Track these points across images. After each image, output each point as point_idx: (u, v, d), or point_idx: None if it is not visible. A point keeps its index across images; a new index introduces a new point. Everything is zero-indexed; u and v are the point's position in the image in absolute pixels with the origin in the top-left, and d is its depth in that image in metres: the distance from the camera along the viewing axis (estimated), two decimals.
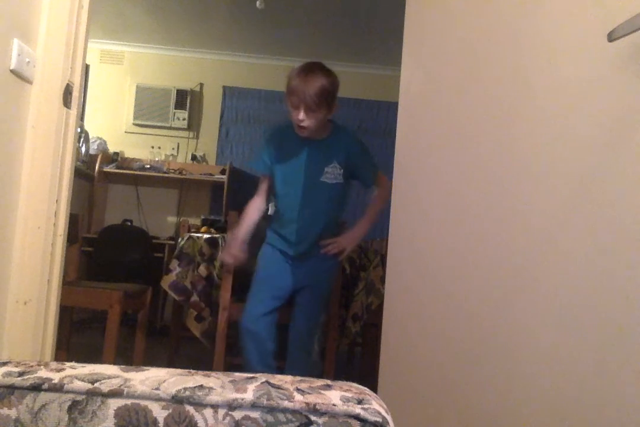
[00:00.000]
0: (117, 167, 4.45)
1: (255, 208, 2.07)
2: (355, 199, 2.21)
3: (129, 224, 4.35)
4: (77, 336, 3.46)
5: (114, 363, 0.52)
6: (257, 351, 1.96)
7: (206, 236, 2.62)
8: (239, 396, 0.42)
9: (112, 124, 4.69)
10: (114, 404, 0.42)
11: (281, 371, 1.97)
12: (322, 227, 2.01)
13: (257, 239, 2.12)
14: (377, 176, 2.06)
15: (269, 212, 2.68)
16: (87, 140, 4.24)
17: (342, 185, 2.02)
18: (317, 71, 1.88)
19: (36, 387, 0.43)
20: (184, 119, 4.67)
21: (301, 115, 1.85)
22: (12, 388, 0.43)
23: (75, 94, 1.35)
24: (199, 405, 0.42)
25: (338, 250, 2.01)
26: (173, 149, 4.76)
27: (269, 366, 1.96)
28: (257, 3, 3.65)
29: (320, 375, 2.12)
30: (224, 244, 2.17)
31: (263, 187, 2.09)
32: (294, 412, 0.41)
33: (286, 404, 0.41)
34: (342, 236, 2.04)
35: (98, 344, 2.65)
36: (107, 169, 4.40)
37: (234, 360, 2.28)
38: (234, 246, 2.01)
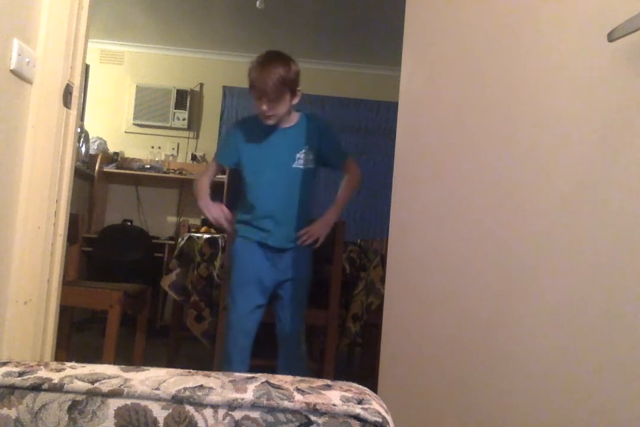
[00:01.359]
0: (117, 167, 4.45)
1: (205, 182, 2.11)
2: (325, 194, 2.22)
3: (129, 224, 4.35)
4: (77, 336, 3.46)
5: (114, 363, 0.52)
6: (242, 347, 1.96)
7: (206, 235, 2.62)
8: (239, 396, 0.42)
9: (112, 124, 4.69)
10: (114, 404, 0.42)
11: (271, 370, 1.97)
12: (299, 213, 2.00)
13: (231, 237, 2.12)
14: (346, 162, 2.11)
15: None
16: (87, 140, 4.24)
17: (314, 170, 2.04)
18: (274, 61, 1.93)
19: (36, 387, 0.43)
20: (184, 119, 4.68)
21: (264, 106, 1.90)
22: (12, 388, 0.43)
23: (75, 94, 1.35)
24: (199, 405, 0.42)
25: (312, 239, 2.01)
26: (173, 149, 4.76)
27: (245, 362, 1.96)
28: (257, 3, 3.65)
29: (307, 367, 2.10)
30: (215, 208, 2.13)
31: (212, 170, 2.14)
32: (294, 412, 0.41)
33: (286, 404, 0.41)
34: (313, 225, 2.03)
35: (98, 344, 2.65)
36: (107, 169, 4.40)
37: None
38: (214, 206, 2.03)
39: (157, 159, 4.61)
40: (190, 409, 0.41)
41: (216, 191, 4.82)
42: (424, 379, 1.17)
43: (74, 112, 1.36)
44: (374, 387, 0.96)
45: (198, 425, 0.41)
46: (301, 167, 1.99)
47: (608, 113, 0.76)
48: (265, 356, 2.07)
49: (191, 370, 0.48)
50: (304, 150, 1.99)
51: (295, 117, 2.03)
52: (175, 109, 4.67)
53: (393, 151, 1.42)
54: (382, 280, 1.99)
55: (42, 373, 0.45)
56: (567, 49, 0.85)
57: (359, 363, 3.11)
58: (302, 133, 2.02)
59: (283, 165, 1.98)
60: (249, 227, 2.01)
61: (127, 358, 2.69)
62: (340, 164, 2.11)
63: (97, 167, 4.32)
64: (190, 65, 4.80)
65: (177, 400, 0.42)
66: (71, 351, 2.71)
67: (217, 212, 2.03)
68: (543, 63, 0.90)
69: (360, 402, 0.43)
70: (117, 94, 4.71)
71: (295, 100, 1.96)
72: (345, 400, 0.42)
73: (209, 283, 2.50)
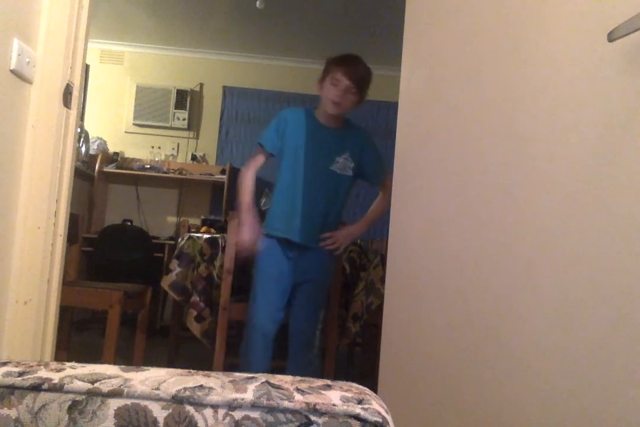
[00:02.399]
0: (117, 167, 4.45)
1: (250, 179, 2.03)
2: (355, 201, 2.21)
3: (129, 224, 4.35)
4: (77, 336, 3.46)
5: (114, 363, 0.53)
6: (263, 351, 1.95)
7: (206, 236, 2.62)
8: (239, 396, 0.42)
9: (112, 124, 4.69)
10: (114, 404, 0.42)
11: (282, 371, 1.97)
12: (326, 215, 2.00)
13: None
14: (385, 178, 2.06)
15: (263, 207, 2.67)
16: (87, 140, 4.24)
17: (350, 179, 2.03)
18: (362, 60, 2.04)
19: (36, 387, 0.43)
20: (184, 119, 4.68)
21: (341, 91, 1.92)
22: (12, 388, 0.43)
23: (75, 94, 1.35)
24: (199, 405, 0.42)
25: (335, 245, 2.01)
26: (173, 149, 4.76)
27: (268, 365, 1.95)
28: (257, 3, 3.65)
29: (319, 370, 2.10)
30: (226, 241, 2.10)
31: (258, 161, 2.05)
32: (294, 412, 0.41)
33: (286, 404, 0.41)
34: (339, 231, 2.04)
35: (98, 344, 2.65)
36: (107, 169, 4.40)
37: (234, 360, 2.28)
38: (246, 229, 1.95)
39: (157, 159, 4.61)
40: (190, 409, 0.41)
41: (216, 191, 4.82)
42: (424, 379, 1.17)
43: (74, 112, 1.36)
44: (374, 387, 0.96)
45: (198, 425, 0.41)
46: (338, 171, 1.99)
47: (608, 113, 0.76)
48: (275, 356, 2.06)
49: (191, 370, 0.48)
50: (344, 155, 2.01)
51: (344, 123, 2.07)
52: (175, 109, 4.67)
53: (393, 151, 1.42)
54: (382, 280, 1.99)
55: (42, 373, 0.45)
56: (567, 48, 0.85)
57: (359, 363, 3.11)
58: (347, 138, 2.04)
59: (321, 164, 1.98)
60: (278, 223, 2.00)
61: (127, 358, 2.69)
62: (380, 179, 2.10)
63: (97, 167, 4.32)
64: (190, 65, 4.81)
65: (177, 400, 0.42)
66: (71, 351, 2.71)
67: (247, 236, 1.95)
68: (543, 63, 0.90)
69: (360, 402, 0.43)
70: (117, 94, 4.71)
71: (358, 106, 2.02)
72: (345, 400, 0.42)
73: (209, 283, 2.50)
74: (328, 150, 2.00)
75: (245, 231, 1.96)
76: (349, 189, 2.07)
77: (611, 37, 0.71)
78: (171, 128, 4.71)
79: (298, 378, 0.47)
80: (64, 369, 0.46)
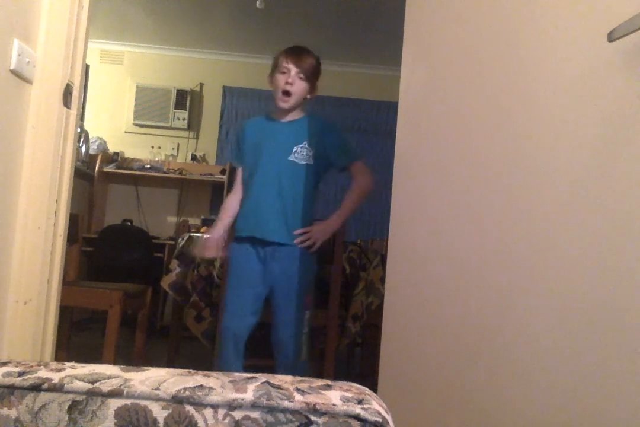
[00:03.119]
0: (117, 167, 4.45)
1: (233, 203, 2.08)
2: (333, 197, 2.17)
3: (129, 224, 4.35)
4: (77, 336, 3.46)
5: (114, 363, 0.53)
6: (234, 355, 1.92)
7: (206, 236, 2.62)
8: (239, 396, 0.42)
9: (112, 124, 4.69)
10: (114, 404, 0.42)
11: (272, 370, 1.95)
12: (293, 208, 1.95)
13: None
14: (353, 165, 2.04)
15: None
16: (87, 140, 4.24)
17: (312, 169, 1.98)
18: (309, 50, 2.14)
19: (36, 387, 0.43)
20: (184, 119, 4.68)
21: (290, 78, 1.97)
22: (12, 388, 0.43)
23: (75, 94, 1.35)
24: (199, 405, 0.42)
25: (309, 242, 1.94)
26: (173, 149, 4.76)
27: (238, 365, 1.93)
28: (257, 3, 3.65)
29: (308, 375, 2.05)
30: (201, 240, 2.16)
31: (239, 181, 2.10)
32: (294, 412, 0.41)
33: (286, 404, 0.41)
34: (314, 226, 1.97)
35: (98, 344, 2.65)
36: (107, 169, 4.40)
37: None
38: (211, 243, 2.04)
39: (157, 159, 4.61)
40: (190, 409, 0.41)
41: (216, 191, 4.81)
42: (424, 379, 1.17)
43: (74, 112, 1.36)
44: (374, 387, 0.96)
45: (198, 425, 0.41)
46: (297, 161, 1.96)
47: (608, 113, 0.76)
48: (265, 355, 2.05)
49: (191, 370, 0.48)
50: (302, 144, 1.98)
51: (300, 114, 2.06)
52: (175, 109, 4.67)
53: (393, 151, 1.42)
54: (382, 280, 1.98)
55: (42, 373, 0.45)
56: (567, 49, 0.85)
57: (359, 363, 3.11)
58: (303, 128, 2.02)
59: (278, 156, 1.97)
60: (243, 221, 1.98)
61: (127, 358, 2.69)
62: (345, 165, 2.04)
63: (97, 167, 4.32)
64: (190, 65, 4.81)
65: (177, 400, 0.42)
66: (71, 351, 2.71)
67: (209, 251, 2.05)
68: (543, 63, 0.90)
69: (360, 402, 0.43)
70: (117, 94, 4.71)
71: (310, 96, 2.04)
72: (345, 400, 0.42)
73: (209, 283, 2.50)
74: (284, 142, 1.99)
75: (210, 239, 2.06)
76: (316, 180, 2.03)
77: (611, 37, 0.71)
78: (171, 128, 4.71)
79: (298, 378, 0.47)
80: (64, 369, 0.46)
